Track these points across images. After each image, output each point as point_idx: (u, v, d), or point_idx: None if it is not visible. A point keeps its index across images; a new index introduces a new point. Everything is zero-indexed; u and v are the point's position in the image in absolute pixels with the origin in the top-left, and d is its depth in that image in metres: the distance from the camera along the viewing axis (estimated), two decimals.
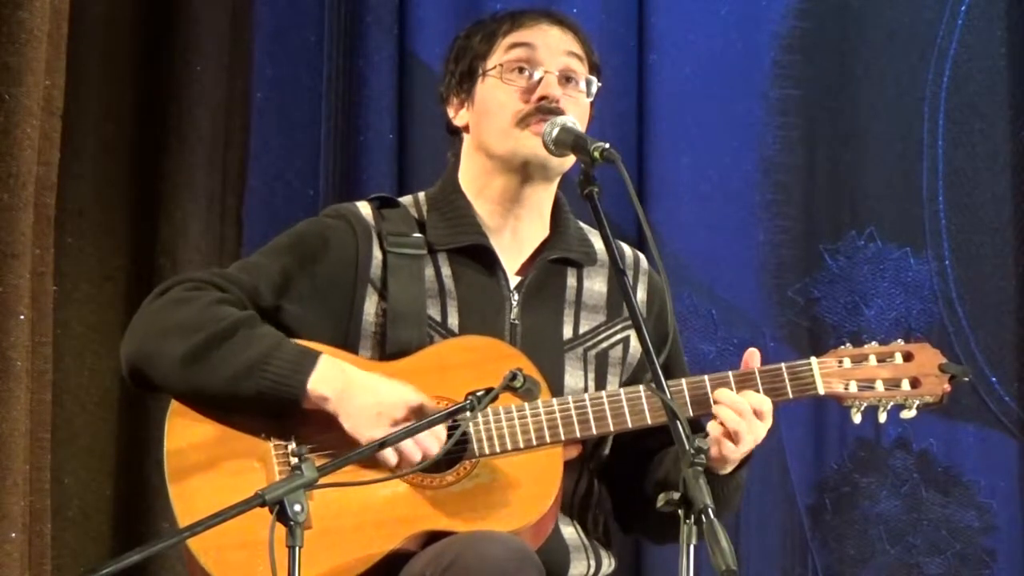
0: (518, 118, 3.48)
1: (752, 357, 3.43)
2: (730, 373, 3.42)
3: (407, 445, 3.27)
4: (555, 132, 3.40)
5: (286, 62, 5.19)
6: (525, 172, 3.50)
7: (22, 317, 4.19)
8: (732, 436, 3.32)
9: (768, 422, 3.37)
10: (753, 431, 3.34)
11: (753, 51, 5.38)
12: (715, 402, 3.36)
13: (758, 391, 3.38)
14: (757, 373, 3.41)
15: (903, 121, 5.40)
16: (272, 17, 5.17)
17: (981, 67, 5.40)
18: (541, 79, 3.50)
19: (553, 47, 3.54)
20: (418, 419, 3.27)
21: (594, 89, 3.56)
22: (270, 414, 3.33)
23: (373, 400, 3.31)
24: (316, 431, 3.32)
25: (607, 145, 3.26)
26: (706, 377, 3.41)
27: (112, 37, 4.89)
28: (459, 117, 3.59)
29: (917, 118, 5.40)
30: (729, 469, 3.40)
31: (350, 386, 3.32)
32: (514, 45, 3.54)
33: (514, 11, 3.63)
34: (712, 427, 3.34)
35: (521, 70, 3.52)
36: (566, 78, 3.53)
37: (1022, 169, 5.38)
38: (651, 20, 5.31)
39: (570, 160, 3.47)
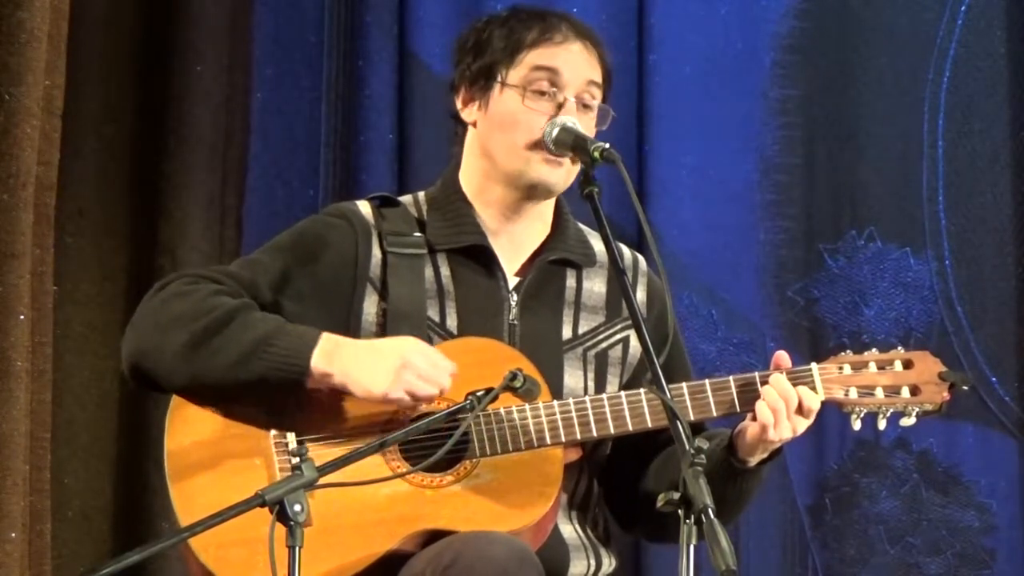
0: (533, 143, 3.47)
1: (782, 358, 3.44)
2: (731, 378, 3.42)
3: (419, 385, 3.26)
4: (555, 132, 3.40)
5: (286, 62, 5.19)
6: (529, 192, 3.50)
7: (22, 317, 4.19)
8: (773, 414, 3.34)
9: (810, 420, 3.39)
10: (793, 421, 3.36)
11: (753, 51, 5.38)
12: (764, 384, 3.38)
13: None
14: (757, 378, 3.41)
15: (903, 121, 5.40)
16: (272, 17, 5.17)
17: (981, 67, 5.40)
18: (560, 106, 3.48)
19: (577, 74, 3.49)
20: (424, 361, 3.27)
21: (607, 121, 3.53)
22: (273, 398, 3.33)
23: (375, 355, 3.30)
24: (319, 420, 3.33)
25: (607, 145, 3.26)
26: (707, 381, 3.41)
27: (112, 37, 4.89)
28: (467, 112, 3.57)
29: (917, 118, 5.39)
30: (756, 460, 3.41)
31: (350, 354, 3.31)
32: (539, 68, 3.49)
33: (542, 16, 3.55)
34: (758, 407, 3.36)
35: (542, 93, 3.50)
36: (583, 104, 3.52)
37: (1022, 169, 5.38)
38: (651, 20, 5.31)
39: (573, 175, 3.46)
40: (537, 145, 3.45)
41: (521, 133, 3.47)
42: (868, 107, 5.39)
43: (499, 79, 3.51)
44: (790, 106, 5.37)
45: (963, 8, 5.40)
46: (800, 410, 3.37)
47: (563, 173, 3.45)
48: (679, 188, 5.32)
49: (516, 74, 3.51)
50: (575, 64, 3.51)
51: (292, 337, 3.32)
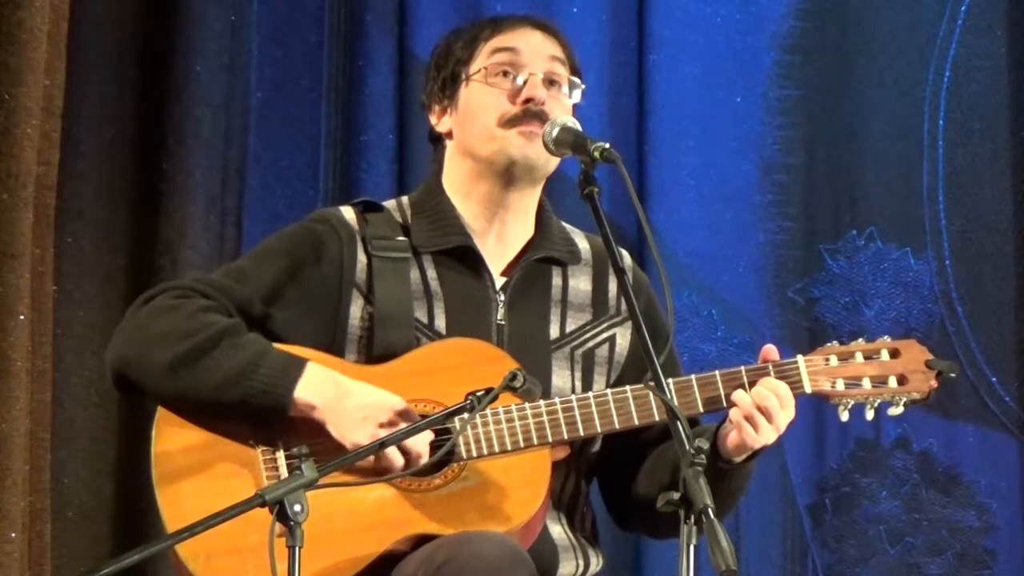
0: (504, 119, 3.48)
1: (770, 352, 3.43)
2: (717, 373, 3.41)
3: (390, 450, 3.27)
4: (555, 132, 3.39)
5: (286, 62, 5.18)
6: (510, 174, 3.50)
7: (22, 317, 4.19)
8: (750, 421, 3.32)
9: (791, 413, 3.37)
10: (775, 423, 3.34)
11: (753, 51, 5.38)
12: (752, 382, 3.37)
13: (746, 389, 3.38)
14: (744, 372, 3.40)
15: (903, 121, 5.40)
16: (272, 17, 5.17)
17: (981, 67, 5.40)
18: (526, 81, 3.50)
19: (536, 51, 3.54)
20: (404, 423, 3.26)
21: (578, 93, 3.56)
22: (256, 421, 3.33)
23: (358, 405, 3.30)
24: (303, 437, 3.31)
25: (607, 145, 3.26)
26: (693, 377, 3.40)
27: (112, 37, 4.89)
28: (442, 123, 3.59)
29: (917, 118, 5.39)
30: (742, 458, 3.40)
31: (336, 393, 3.31)
32: (497, 49, 3.54)
33: (495, 17, 3.65)
34: (734, 413, 3.35)
35: (505, 74, 3.52)
36: (550, 81, 3.53)
37: (1022, 169, 5.38)
38: (651, 20, 5.31)
39: (555, 162, 3.47)
40: (509, 122, 3.47)
41: (490, 114, 3.49)
42: (868, 107, 5.39)
43: (463, 76, 3.54)
44: (790, 106, 5.37)
45: (963, 8, 5.40)
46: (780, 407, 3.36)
47: (540, 147, 3.43)
48: (679, 188, 5.32)
49: (477, 64, 3.54)
50: (534, 42, 3.55)
51: (278, 365, 3.32)
